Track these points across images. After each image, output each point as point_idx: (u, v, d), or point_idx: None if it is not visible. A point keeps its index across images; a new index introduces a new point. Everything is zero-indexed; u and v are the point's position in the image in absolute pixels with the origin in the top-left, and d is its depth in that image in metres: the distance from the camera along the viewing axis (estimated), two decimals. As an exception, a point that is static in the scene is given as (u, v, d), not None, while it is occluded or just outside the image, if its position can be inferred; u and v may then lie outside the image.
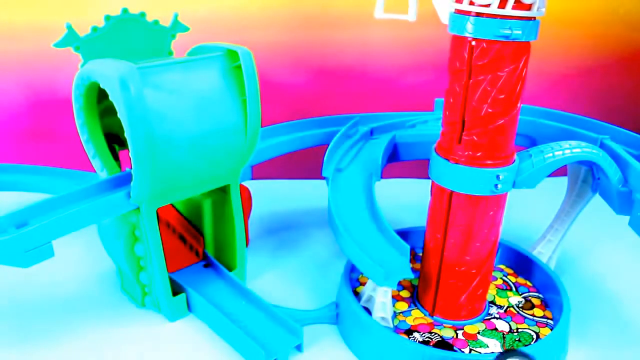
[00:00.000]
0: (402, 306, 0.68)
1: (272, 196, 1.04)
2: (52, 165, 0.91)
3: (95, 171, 0.70)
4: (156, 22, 0.70)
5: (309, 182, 1.09)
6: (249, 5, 0.98)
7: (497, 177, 0.56)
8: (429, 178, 0.63)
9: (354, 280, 0.72)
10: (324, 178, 0.69)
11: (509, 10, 0.50)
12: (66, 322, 0.69)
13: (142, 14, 0.68)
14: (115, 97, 0.56)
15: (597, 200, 0.71)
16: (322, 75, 1.01)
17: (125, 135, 0.57)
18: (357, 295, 0.68)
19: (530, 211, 0.94)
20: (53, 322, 0.69)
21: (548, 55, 1.02)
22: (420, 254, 0.70)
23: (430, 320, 0.66)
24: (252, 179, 0.74)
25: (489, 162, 0.56)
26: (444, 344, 0.62)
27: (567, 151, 0.60)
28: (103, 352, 0.64)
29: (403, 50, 0.67)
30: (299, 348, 0.64)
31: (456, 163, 0.57)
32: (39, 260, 0.56)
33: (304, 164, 1.07)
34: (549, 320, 0.66)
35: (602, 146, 0.69)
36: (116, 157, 0.71)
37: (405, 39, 0.92)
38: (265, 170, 0.96)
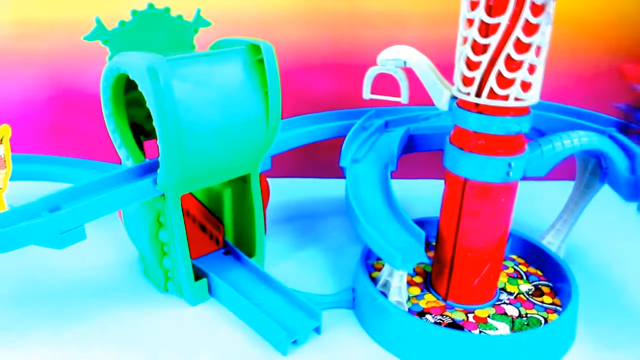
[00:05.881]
0: (415, 291, 0.70)
1: (288, 190, 1.06)
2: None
3: (117, 163, 0.72)
4: (180, 17, 0.72)
5: (323, 180, 1.11)
6: (276, 3, 1.00)
7: (509, 165, 0.58)
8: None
9: (369, 266, 0.74)
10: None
11: None
12: (90, 307, 0.71)
13: (167, 9, 0.71)
14: (144, 87, 0.58)
15: (605, 191, 0.73)
16: (348, 74, 1.03)
17: (154, 124, 0.59)
18: (372, 280, 0.70)
19: (541, 204, 0.96)
20: (77, 306, 0.71)
21: (576, 55, 1.03)
22: (434, 243, 0.72)
23: (442, 303, 0.68)
24: (270, 177, 0.75)
25: (500, 150, 0.58)
26: (455, 326, 0.64)
27: (575, 140, 0.62)
28: (126, 336, 0.66)
29: (430, 49, 0.69)
30: (317, 330, 0.66)
31: (470, 152, 0.59)
32: (73, 242, 0.58)
33: (317, 163, 1.10)
34: (557, 307, 0.68)
35: (610, 138, 0.70)
36: (141, 147, 0.74)
37: (432, 39, 0.94)
38: (281, 169, 0.98)
